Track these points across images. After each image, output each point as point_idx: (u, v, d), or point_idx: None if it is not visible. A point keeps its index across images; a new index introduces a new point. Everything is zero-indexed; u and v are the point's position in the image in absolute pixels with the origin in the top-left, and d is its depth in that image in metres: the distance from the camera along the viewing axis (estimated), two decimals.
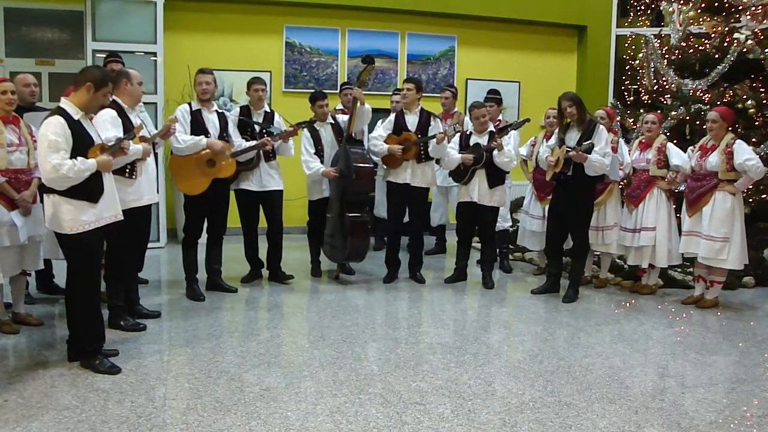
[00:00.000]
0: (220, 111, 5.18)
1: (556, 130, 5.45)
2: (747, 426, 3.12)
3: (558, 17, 8.87)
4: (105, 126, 3.96)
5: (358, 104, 5.49)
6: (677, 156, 5.26)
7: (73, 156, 3.41)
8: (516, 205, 7.01)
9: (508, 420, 3.11)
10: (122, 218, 3.75)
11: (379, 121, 5.95)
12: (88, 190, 3.50)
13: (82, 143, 3.47)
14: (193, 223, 5.14)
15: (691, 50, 7.01)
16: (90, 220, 3.51)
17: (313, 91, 6.11)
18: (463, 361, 3.89)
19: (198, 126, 4.95)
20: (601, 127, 5.21)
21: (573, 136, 5.22)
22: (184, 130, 4.90)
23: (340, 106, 6.66)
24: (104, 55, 5.79)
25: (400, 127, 5.64)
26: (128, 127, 4.11)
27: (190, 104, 5.05)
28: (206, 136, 4.95)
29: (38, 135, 3.47)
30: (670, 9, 7.18)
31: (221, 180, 5.05)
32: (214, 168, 4.98)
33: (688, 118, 6.54)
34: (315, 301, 5.24)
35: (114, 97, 4.27)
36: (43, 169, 3.39)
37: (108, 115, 4.09)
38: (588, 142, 5.04)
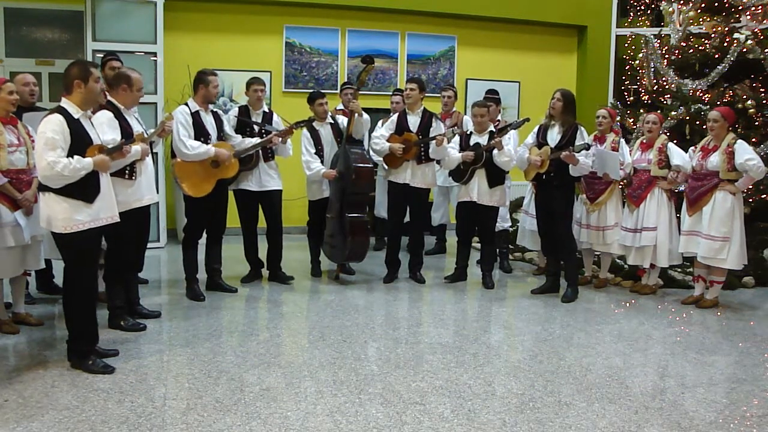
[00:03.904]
0: (214, 111, 5.19)
1: (537, 128, 5.48)
2: (747, 426, 3.12)
3: (558, 17, 8.87)
4: (102, 128, 3.94)
5: (356, 116, 5.51)
6: (678, 156, 5.26)
7: (71, 155, 3.41)
8: (516, 205, 7.01)
9: (508, 420, 3.11)
10: (118, 220, 3.75)
11: (380, 121, 5.95)
12: (84, 189, 3.49)
13: (80, 142, 3.47)
14: (196, 224, 5.14)
15: (691, 50, 7.01)
16: (85, 220, 3.50)
17: (312, 91, 6.12)
18: (463, 361, 3.89)
19: (198, 128, 4.94)
20: (582, 128, 5.28)
21: (553, 136, 5.28)
22: (189, 134, 4.88)
23: (340, 106, 6.66)
24: (101, 55, 5.79)
25: (402, 127, 5.64)
26: (125, 129, 4.12)
27: (187, 105, 5.03)
28: (207, 138, 4.96)
29: (37, 132, 3.46)
30: (670, 9, 7.18)
31: (221, 179, 5.05)
32: (218, 168, 4.98)
33: (688, 118, 6.54)
34: (315, 301, 5.25)
35: (110, 98, 4.27)
36: (39, 166, 3.40)
37: (105, 117, 4.08)
38: (584, 142, 5.08)
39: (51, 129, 3.37)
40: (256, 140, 5.28)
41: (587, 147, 5.08)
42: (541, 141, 5.37)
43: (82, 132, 3.51)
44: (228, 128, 5.26)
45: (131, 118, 4.29)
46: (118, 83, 4.25)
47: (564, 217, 5.33)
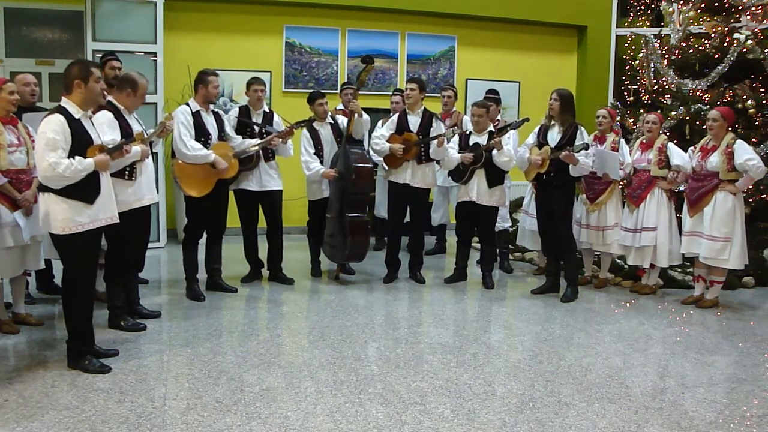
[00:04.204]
0: (215, 111, 5.19)
1: (537, 128, 5.49)
2: (747, 426, 3.12)
3: (558, 17, 8.87)
4: (102, 129, 3.94)
5: (356, 116, 5.51)
6: (678, 156, 5.27)
7: (71, 155, 3.40)
8: (516, 205, 7.02)
9: (508, 420, 3.11)
10: (118, 221, 3.74)
11: (380, 121, 5.95)
12: (85, 190, 3.48)
13: (81, 142, 3.46)
14: (197, 224, 5.14)
15: (691, 50, 7.01)
16: (84, 221, 3.49)
17: (312, 91, 6.12)
18: (463, 361, 3.89)
19: (199, 128, 4.93)
20: (582, 128, 5.27)
21: (554, 136, 5.27)
22: (190, 133, 4.88)
23: (340, 106, 6.66)
24: (100, 55, 5.79)
25: (402, 127, 5.64)
26: (125, 129, 4.12)
27: (188, 104, 5.03)
28: (208, 138, 4.96)
29: (38, 132, 3.45)
30: (670, 9, 7.18)
31: (222, 180, 5.05)
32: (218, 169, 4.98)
33: (688, 118, 6.54)
34: (315, 301, 5.25)
35: (111, 98, 4.27)
36: (40, 167, 3.38)
37: (105, 117, 4.08)
38: (583, 142, 5.08)
39: (52, 129, 3.35)
40: (256, 141, 5.28)
41: (586, 147, 5.08)
42: (541, 141, 5.37)
43: (83, 132, 3.50)
44: (229, 129, 5.27)
45: (131, 119, 4.30)
46: (124, 87, 4.25)
47: (564, 217, 5.33)
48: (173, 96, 7.22)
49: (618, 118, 6.73)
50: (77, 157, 3.41)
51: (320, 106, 5.67)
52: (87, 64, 3.64)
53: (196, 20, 7.81)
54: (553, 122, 5.33)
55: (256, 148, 5.24)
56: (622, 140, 5.68)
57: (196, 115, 4.95)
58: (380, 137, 5.63)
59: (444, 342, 4.26)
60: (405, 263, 5.93)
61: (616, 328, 4.64)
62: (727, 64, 6.55)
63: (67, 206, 3.44)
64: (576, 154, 5.08)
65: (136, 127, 4.28)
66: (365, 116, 5.63)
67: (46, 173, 3.35)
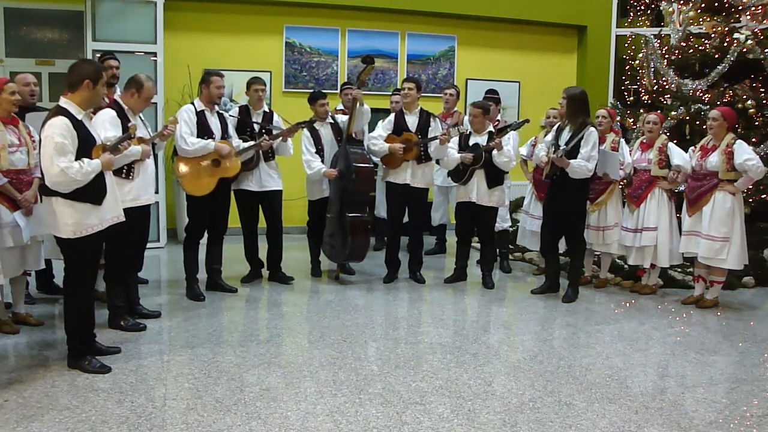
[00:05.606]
0: (219, 112, 5.19)
1: (555, 128, 5.49)
2: (747, 426, 3.12)
3: (558, 17, 8.88)
4: (104, 126, 3.95)
5: (358, 105, 5.50)
6: (679, 156, 5.26)
7: (77, 157, 3.38)
8: (516, 205, 7.02)
9: (508, 420, 3.11)
10: (123, 219, 3.73)
11: (380, 122, 5.95)
12: (93, 191, 3.46)
13: (85, 144, 3.44)
14: (198, 224, 5.14)
15: (691, 50, 7.01)
16: (93, 223, 3.48)
17: (312, 91, 6.12)
18: (463, 361, 3.89)
19: (203, 128, 4.94)
20: (591, 129, 5.19)
21: (565, 136, 5.26)
22: (191, 131, 4.89)
23: (340, 106, 6.67)
24: (99, 55, 5.80)
25: (400, 127, 5.64)
26: (127, 128, 4.12)
27: (193, 104, 5.04)
28: (210, 138, 4.96)
29: (42, 136, 3.40)
30: (670, 9, 7.19)
31: (223, 179, 5.05)
32: (219, 167, 4.98)
33: (688, 118, 6.54)
34: (315, 301, 5.25)
35: (117, 97, 4.27)
36: (50, 172, 3.32)
37: (107, 115, 4.09)
38: (563, 147, 5.05)
39: (59, 133, 3.31)
40: (252, 143, 5.27)
41: (574, 149, 5.04)
42: (554, 141, 5.34)
43: (86, 133, 3.48)
44: (232, 130, 5.26)
45: (136, 120, 4.29)
46: (129, 87, 4.28)
47: (572, 217, 5.27)
48: (173, 96, 7.22)
49: (618, 118, 6.73)
50: (86, 160, 3.40)
51: (321, 106, 5.67)
52: (98, 65, 3.65)
53: (196, 20, 7.81)
54: (566, 121, 5.31)
55: (252, 151, 5.23)
56: (622, 140, 5.68)
57: (200, 115, 4.96)
58: (377, 138, 5.62)
59: (444, 342, 4.26)
60: (405, 263, 5.93)
61: (616, 328, 4.64)
62: (727, 64, 6.56)
63: (76, 210, 3.42)
64: (574, 160, 5.03)
65: (141, 130, 4.28)
66: (366, 106, 5.62)
67: (58, 178, 3.30)
